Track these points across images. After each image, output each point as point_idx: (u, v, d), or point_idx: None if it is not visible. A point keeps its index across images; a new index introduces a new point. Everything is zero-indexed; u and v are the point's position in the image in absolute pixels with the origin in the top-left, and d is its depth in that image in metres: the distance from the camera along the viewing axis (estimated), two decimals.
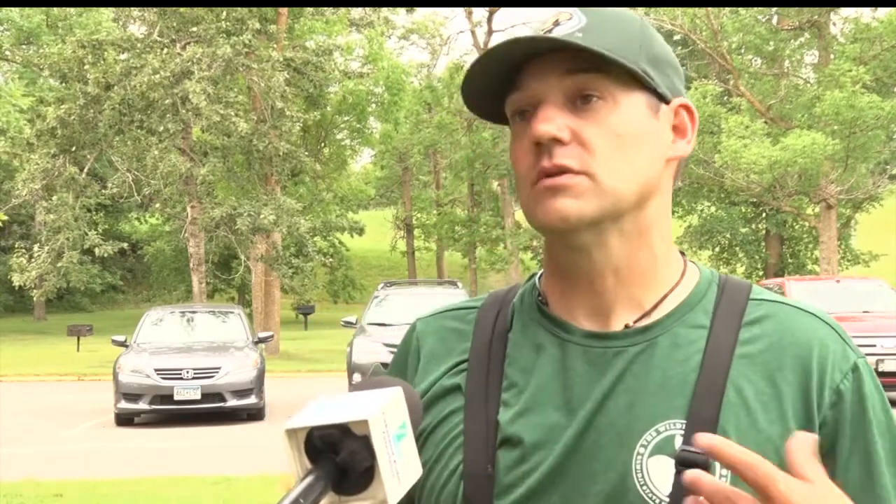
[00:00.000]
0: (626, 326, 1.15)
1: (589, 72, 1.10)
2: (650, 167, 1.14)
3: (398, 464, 0.91)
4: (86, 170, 24.19)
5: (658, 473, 1.08)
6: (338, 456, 0.89)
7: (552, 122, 1.10)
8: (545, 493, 1.11)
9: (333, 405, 0.93)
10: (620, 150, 1.11)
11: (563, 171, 1.10)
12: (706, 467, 1.04)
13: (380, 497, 0.90)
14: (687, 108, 1.18)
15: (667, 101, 1.16)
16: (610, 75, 1.10)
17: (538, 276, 1.24)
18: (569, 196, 1.10)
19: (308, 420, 0.91)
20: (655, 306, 1.15)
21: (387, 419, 0.91)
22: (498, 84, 1.14)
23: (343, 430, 0.89)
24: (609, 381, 1.12)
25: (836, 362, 1.12)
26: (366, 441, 0.89)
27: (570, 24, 1.11)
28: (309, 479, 0.88)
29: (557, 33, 1.11)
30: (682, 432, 1.08)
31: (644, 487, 1.08)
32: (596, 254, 1.14)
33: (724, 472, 1.06)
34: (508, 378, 1.17)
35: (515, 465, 1.13)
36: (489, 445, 1.14)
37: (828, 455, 1.09)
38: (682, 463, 1.05)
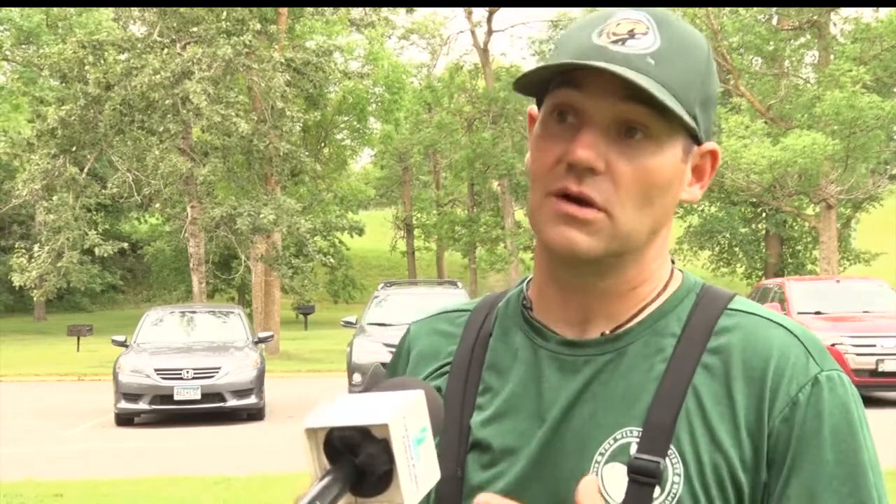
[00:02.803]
0: (602, 335, 1.14)
1: (645, 104, 1.07)
2: (666, 211, 1.14)
3: (417, 468, 0.91)
4: (86, 170, 24.19)
5: (612, 481, 1.07)
6: (357, 458, 0.89)
7: (593, 149, 1.07)
8: (510, 498, 1.11)
9: (354, 406, 0.93)
10: (647, 196, 1.09)
11: (584, 201, 1.08)
12: (658, 475, 1.06)
13: (397, 501, 0.90)
14: (713, 154, 1.16)
15: (699, 144, 1.14)
16: (663, 114, 1.07)
17: (527, 280, 1.24)
18: (584, 231, 1.09)
19: (328, 420, 0.91)
20: (633, 316, 1.14)
21: (407, 423, 0.91)
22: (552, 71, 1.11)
23: (363, 432, 0.89)
24: (576, 389, 1.12)
25: (793, 374, 1.08)
26: (385, 444, 0.89)
27: (643, 43, 1.08)
28: (326, 480, 0.88)
29: (630, 50, 1.08)
30: (638, 440, 1.08)
31: None
32: (591, 277, 1.14)
33: (676, 479, 1.06)
34: (485, 382, 1.18)
35: (483, 469, 1.13)
36: (460, 448, 1.15)
37: (773, 469, 1.07)
38: (635, 471, 1.06)
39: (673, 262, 1.21)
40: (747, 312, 1.14)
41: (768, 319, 1.13)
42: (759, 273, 38.59)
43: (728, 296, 1.17)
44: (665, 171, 1.10)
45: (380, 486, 0.90)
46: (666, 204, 1.12)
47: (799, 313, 15.12)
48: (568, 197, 1.09)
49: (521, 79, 1.10)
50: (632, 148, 1.08)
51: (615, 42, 1.08)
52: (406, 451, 0.90)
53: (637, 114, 1.07)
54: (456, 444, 1.15)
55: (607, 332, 1.14)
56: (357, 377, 14.76)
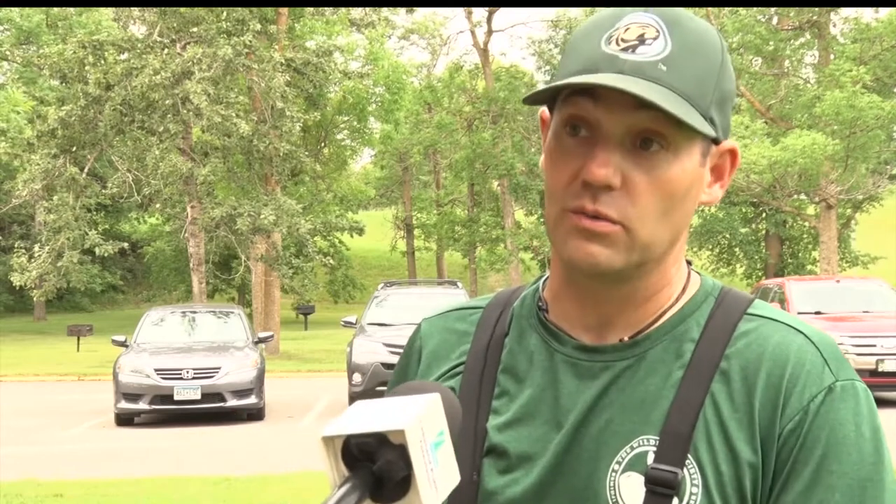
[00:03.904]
0: (620, 340, 1.13)
1: (660, 116, 1.04)
2: (686, 217, 1.12)
3: (435, 472, 0.91)
4: (86, 170, 24.20)
5: (629, 491, 1.06)
6: (374, 464, 0.89)
7: (608, 166, 1.05)
8: None
9: (371, 412, 0.93)
10: (665, 207, 1.07)
11: (601, 217, 1.06)
12: (676, 486, 1.04)
13: None
14: (733, 152, 1.14)
15: (717, 143, 1.12)
16: (678, 122, 1.05)
17: (543, 279, 1.22)
18: (602, 244, 1.06)
19: (345, 428, 0.90)
20: (653, 322, 1.13)
21: (424, 428, 0.91)
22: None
23: (380, 438, 0.89)
24: (593, 395, 1.11)
25: (807, 382, 1.06)
26: (403, 450, 0.89)
27: (654, 49, 1.06)
28: (345, 488, 0.88)
29: (641, 57, 1.05)
30: (655, 449, 1.06)
31: None
32: (611, 284, 1.12)
33: (694, 490, 1.04)
34: (500, 385, 1.16)
35: (500, 475, 1.12)
36: (476, 453, 1.13)
37: (784, 478, 1.05)
38: (652, 481, 1.05)
39: (690, 263, 1.19)
40: (767, 318, 1.12)
41: (788, 325, 1.11)
42: (759, 273, 38.59)
43: (748, 300, 1.15)
44: (683, 180, 1.08)
45: (399, 492, 0.90)
46: (685, 211, 1.10)
47: (799, 313, 15.11)
48: (585, 213, 1.07)
49: (530, 97, 1.09)
50: (648, 160, 1.06)
51: (625, 49, 1.06)
52: (424, 455, 0.90)
53: (652, 123, 1.05)
54: (471, 448, 1.14)
55: (626, 338, 1.13)
56: (357, 377, 14.76)
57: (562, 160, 1.09)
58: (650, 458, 1.06)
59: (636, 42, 1.06)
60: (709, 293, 1.15)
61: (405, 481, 0.89)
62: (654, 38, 1.06)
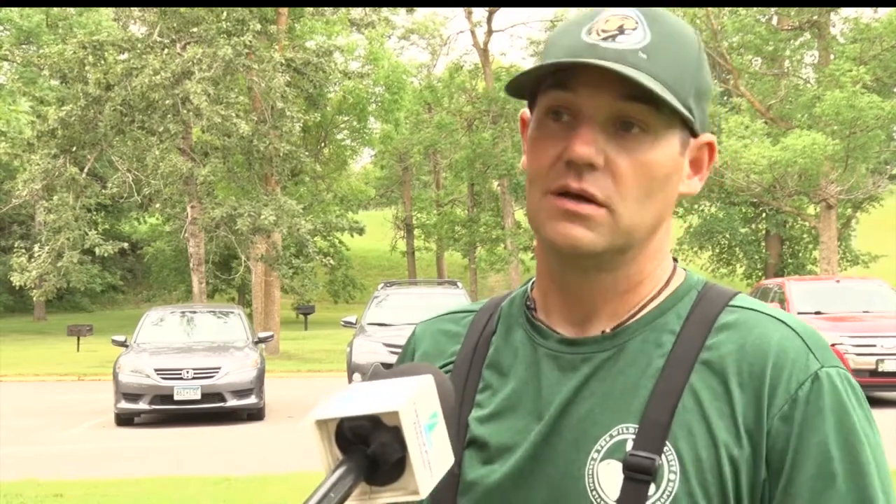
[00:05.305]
0: (603, 332, 1.14)
1: (641, 101, 1.07)
2: (667, 205, 1.13)
3: (430, 454, 0.91)
4: (86, 170, 24.20)
5: (607, 478, 1.07)
6: (369, 447, 0.89)
7: (592, 145, 1.07)
8: (503, 494, 1.12)
9: (364, 394, 0.93)
10: (646, 190, 1.09)
11: (586, 197, 1.08)
12: (653, 472, 1.05)
13: (411, 488, 0.90)
14: (710, 146, 1.17)
15: (696, 136, 1.14)
16: (658, 108, 1.07)
17: (532, 281, 1.25)
18: (585, 226, 1.08)
19: (338, 411, 0.90)
20: (634, 314, 1.14)
21: (417, 409, 0.91)
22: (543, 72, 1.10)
23: (374, 421, 0.89)
24: (573, 386, 1.12)
25: (793, 371, 1.07)
26: (397, 432, 0.88)
27: (634, 38, 1.08)
28: (339, 472, 0.88)
29: (621, 45, 1.07)
30: (634, 437, 1.07)
31: (594, 493, 1.07)
32: (593, 272, 1.13)
33: (672, 477, 1.05)
34: (485, 380, 1.19)
35: (479, 466, 1.14)
36: (458, 444, 1.14)
37: (772, 467, 1.06)
38: (630, 468, 1.06)
39: (676, 260, 1.20)
40: (748, 308, 1.13)
41: (769, 315, 1.12)
42: (759, 273, 38.56)
43: (730, 293, 1.16)
44: (663, 164, 1.10)
45: (394, 474, 0.90)
46: (666, 197, 1.12)
47: (799, 313, 15.11)
48: (568, 194, 1.08)
49: (512, 82, 1.10)
50: (629, 142, 1.08)
51: (605, 39, 1.08)
52: (418, 437, 0.90)
53: (633, 109, 1.07)
54: (454, 440, 1.15)
55: (608, 330, 1.14)
56: (357, 377, 14.76)
57: (544, 144, 1.11)
58: (629, 446, 1.07)
59: (616, 32, 1.08)
60: (692, 287, 1.17)
61: (400, 463, 0.89)
62: (634, 29, 1.08)
